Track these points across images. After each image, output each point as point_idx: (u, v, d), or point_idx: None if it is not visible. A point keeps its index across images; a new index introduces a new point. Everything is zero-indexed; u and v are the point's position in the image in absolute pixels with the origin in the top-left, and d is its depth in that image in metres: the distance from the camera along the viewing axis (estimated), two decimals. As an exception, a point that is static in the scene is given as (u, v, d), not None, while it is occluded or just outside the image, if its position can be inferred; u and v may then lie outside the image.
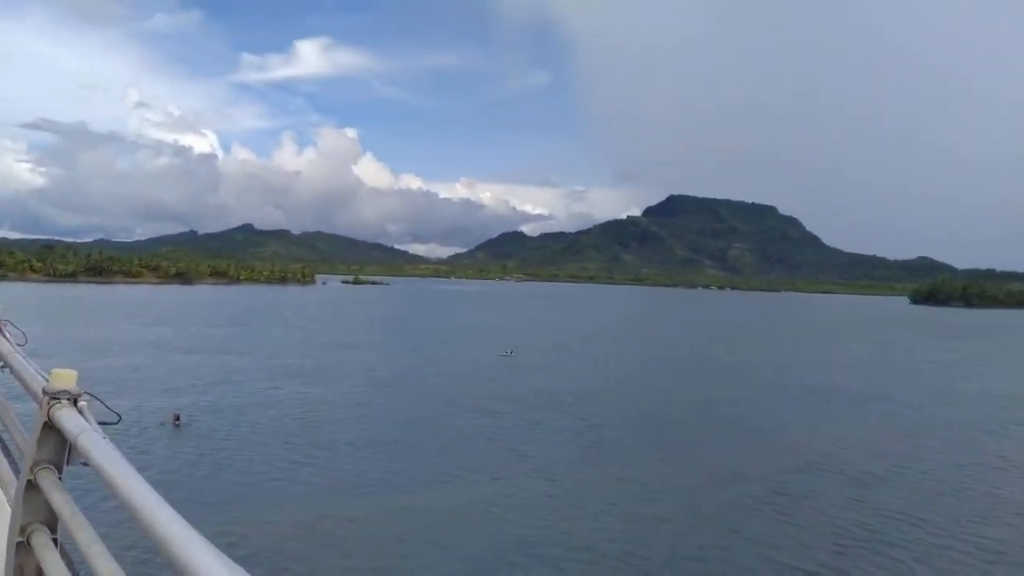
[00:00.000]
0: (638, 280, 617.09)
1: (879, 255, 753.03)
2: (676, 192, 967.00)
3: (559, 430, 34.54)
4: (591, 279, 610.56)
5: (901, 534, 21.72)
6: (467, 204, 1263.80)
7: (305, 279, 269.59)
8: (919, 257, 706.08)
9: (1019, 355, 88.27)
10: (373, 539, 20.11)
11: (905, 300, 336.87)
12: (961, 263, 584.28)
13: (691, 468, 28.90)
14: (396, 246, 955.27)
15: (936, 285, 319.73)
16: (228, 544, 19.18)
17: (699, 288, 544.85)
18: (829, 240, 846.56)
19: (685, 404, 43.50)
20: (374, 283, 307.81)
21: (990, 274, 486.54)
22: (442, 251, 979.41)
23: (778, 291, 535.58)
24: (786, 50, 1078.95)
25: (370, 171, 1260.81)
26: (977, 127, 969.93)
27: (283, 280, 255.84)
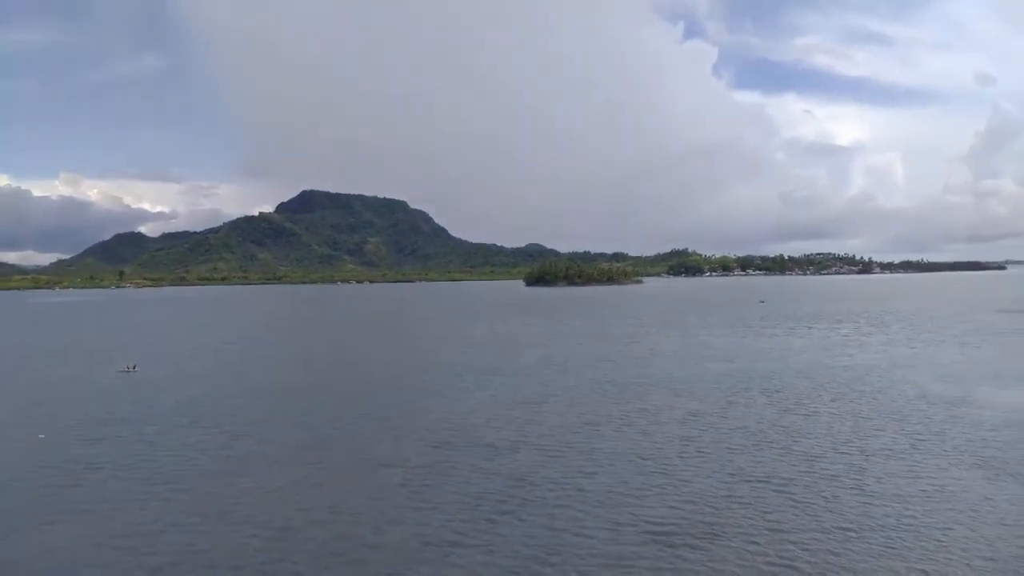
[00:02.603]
0: (276, 279, 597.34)
1: (498, 243, 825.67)
2: (309, 187, 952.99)
3: (194, 446, 32.46)
4: (224, 280, 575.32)
5: (526, 493, 24.73)
6: (70, 203, 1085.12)
7: None
8: (530, 244, 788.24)
9: (609, 323, 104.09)
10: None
11: (521, 283, 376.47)
12: (564, 247, 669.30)
13: (336, 463, 29.39)
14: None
15: (544, 268, 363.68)
16: None
17: (339, 283, 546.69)
18: (455, 231, 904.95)
19: (327, 399, 43.84)
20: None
21: (586, 256, 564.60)
22: (41, 258, 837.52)
23: (413, 281, 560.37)
24: (419, 43, 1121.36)
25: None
26: (573, 127, 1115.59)
27: None
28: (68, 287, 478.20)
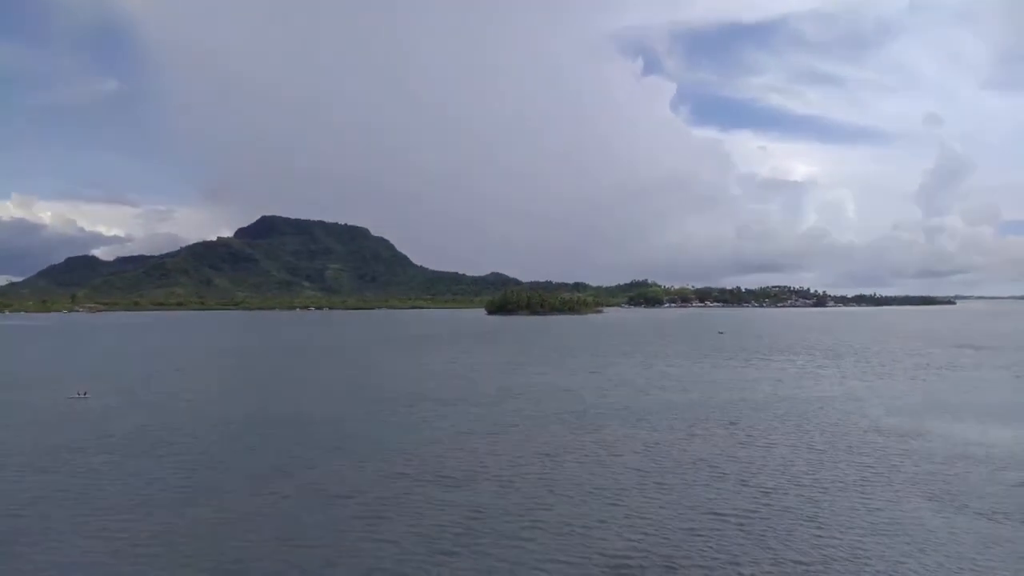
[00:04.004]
0: (234, 304, 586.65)
1: (459, 272, 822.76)
2: (269, 213, 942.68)
3: (144, 475, 31.69)
4: (180, 306, 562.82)
5: (482, 526, 24.63)
6: (22, 225, 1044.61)
7: None
8: (492, 273, 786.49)
9: (570, 353, 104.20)
10: None
11: (483, 311, 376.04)
12: (526, 277, 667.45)
13: (290, 494, 28.87)
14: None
15: (506, 296, 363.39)
16: None
17: (298, 309, 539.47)
18: (417, 259, 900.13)
19: (285, 427, 43.16)
20: None
21: (548, 285, 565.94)
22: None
23: (374, 308, 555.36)
24: (382, 74, 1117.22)
25: None
26: (535, 158, 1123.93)
27: None
28: (19, 310, 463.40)
